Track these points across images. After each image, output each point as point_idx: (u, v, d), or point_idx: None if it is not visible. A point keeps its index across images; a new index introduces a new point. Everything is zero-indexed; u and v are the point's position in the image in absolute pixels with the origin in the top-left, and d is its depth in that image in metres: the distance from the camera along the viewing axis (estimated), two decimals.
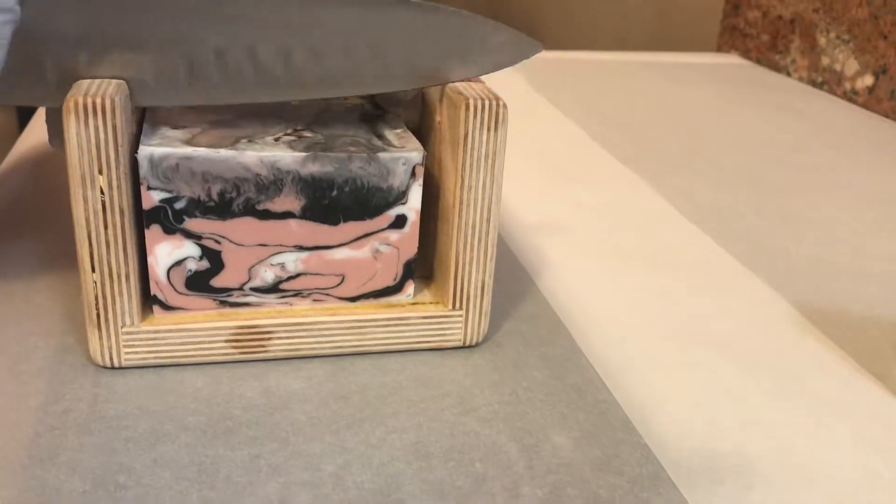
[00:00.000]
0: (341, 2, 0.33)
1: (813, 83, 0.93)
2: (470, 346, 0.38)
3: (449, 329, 0.38)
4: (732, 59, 1.04)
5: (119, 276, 0.33)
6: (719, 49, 1.11)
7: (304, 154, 0.34)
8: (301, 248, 0.35)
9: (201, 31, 0.33)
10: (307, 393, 0.34)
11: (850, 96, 0.87)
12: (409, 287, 0.37)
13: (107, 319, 0.34)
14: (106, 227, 0.32)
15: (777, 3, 0.99)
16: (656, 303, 0.44)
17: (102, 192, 0.32)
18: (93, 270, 0.33)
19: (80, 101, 0.30)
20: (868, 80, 0.85)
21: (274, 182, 0.34)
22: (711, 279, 0.47)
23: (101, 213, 0.32)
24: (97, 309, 0.34)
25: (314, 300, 0.36)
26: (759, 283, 0.47)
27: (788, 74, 0.97)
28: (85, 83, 0.32)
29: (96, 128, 0.31)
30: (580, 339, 0.40)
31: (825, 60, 0.91)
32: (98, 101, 0.31)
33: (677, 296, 0.45)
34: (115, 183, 0.32)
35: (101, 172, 0.32)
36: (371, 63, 0.34)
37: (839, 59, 0.89)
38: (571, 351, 0.39)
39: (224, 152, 0.33)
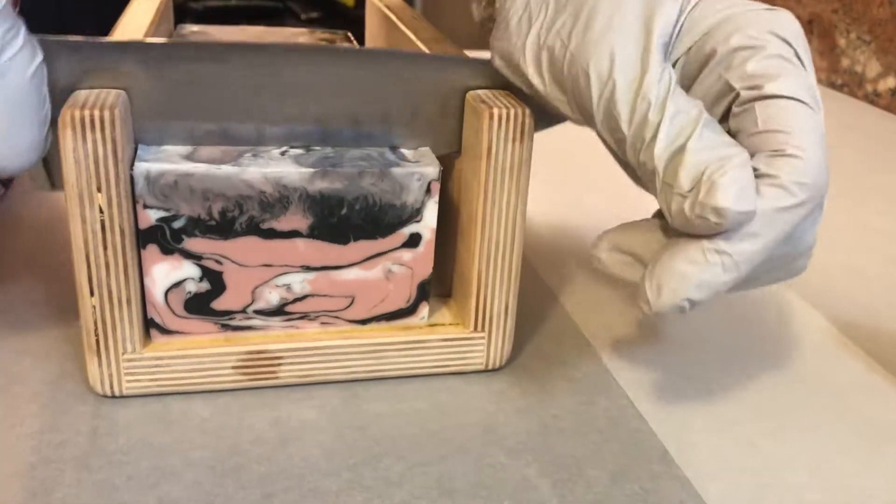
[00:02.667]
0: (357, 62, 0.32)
1: (832, 85, 0.91)
2: (492, 370, 0.36)
3: (470, 352, 0.35)
4: None
5: (119, 301, 0.31)
6: None
7: (311, 170, 0.31)
8: (308, 269, 0.33)
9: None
10: (320, 423, 0.32)
11: (872, 98, 0.85)
12: (424, 309, 0.35)
13: (107, 346, 0.32)
14: (105, 249, 0.30)
15: (794, 4, 0.96)
16: (685, 320, 0.41)
17: (101, 211, 0.30)
18: (91, 294, 0.31)
19: (78, 114, 0.28)
20: (890, 81, 0.83)
21: (279, 200, 0.31)
22: (741, 294, 0.45)
23: (99, 234, 0.30)
24: (96, 335, 0.31)
25: (322, 323, 0.34)
26: (793, 295, 0.44)
27: None
28: (82, 94, 0.30)
29: (94, 142, 0.29)
30: (608, 360, 0.37)
31: (845, 62, 0.89)
32: (96, 113, 0.28)
33: (707, 312, 0.42)
34: (114, 201, 0.30)
35: (99, 190, 0.29)
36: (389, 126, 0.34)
37: (860, 61, 0.87)
38: (600, 373, 0.36)
39: (226, 169, 0.31)
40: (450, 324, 0.36)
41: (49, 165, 0.32)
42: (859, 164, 0.66)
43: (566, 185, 0.58)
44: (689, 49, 0.29)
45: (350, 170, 0.32)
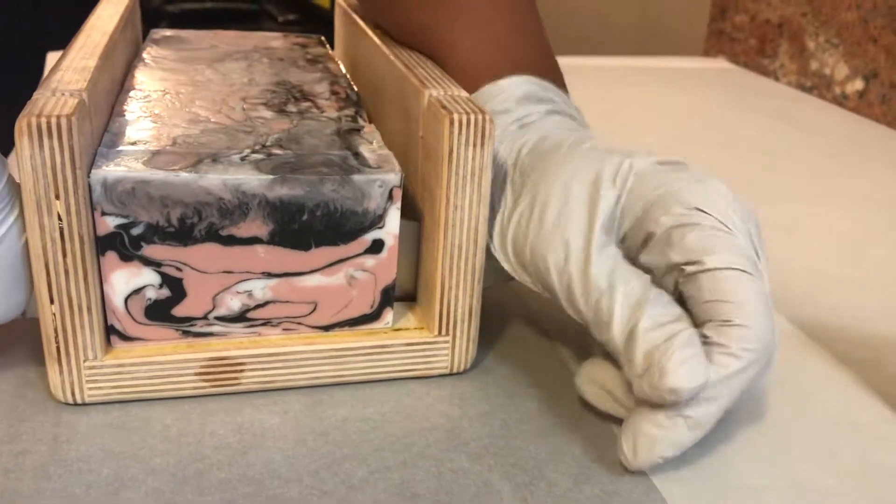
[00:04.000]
0: None
1: (802, 88, 0.92)
2: (457, 374, 0.36)
3: (434, 356, 0.35)
4: (720, 64, 1.02)
5: (80, 308, 0.31)
6: (706, 53, 1.10)
7: (271, 177, 0.31)
8: (269, 275, 0.33)
9: None
10: (283, 429, 0.32)
11: (840, 101, 0.86)
12: (388, 315, 0.35)
13: (67, 353, 0.31)
14: (65, 256, 0.30)
15: (765, 7, 0.97)
16: None
17: (60, 219, 0.30)
18: (51, 302, 0.31)
19: (34, 121, 0.28)
20: (858, 84, 0.84)
21: (239, 206, 0.31)
22: None
23: (59, 241, 0.30)
24: (57, 342, 0.31)
25: (284, 329, 0.34)
26: None
27: (777, 79, 0.96)
28: (41, 100, 0.30)
29: (52, 150, 0.29)
30: (573, 364, 0.38)
31: (814, 65, 0.90)
32: (53, 120, 0.28)
33: None
34: (73, 209, 0.29)
35: (57, 198, 0.29)
36: None
37: (829, 64, 0.88)
38: (564, 376, 0.37)
39: (184, 175, 0.31)
40: (414, 328, 0.36)
41: None
42: (826, 166, 0.67)
43: None
44: (632, 227, 0.33)
45: (311, 176, 0.32)
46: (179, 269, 0.32)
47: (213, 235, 0.31)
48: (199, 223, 0.31)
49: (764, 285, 0.31)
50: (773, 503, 0.30)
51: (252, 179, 0.31)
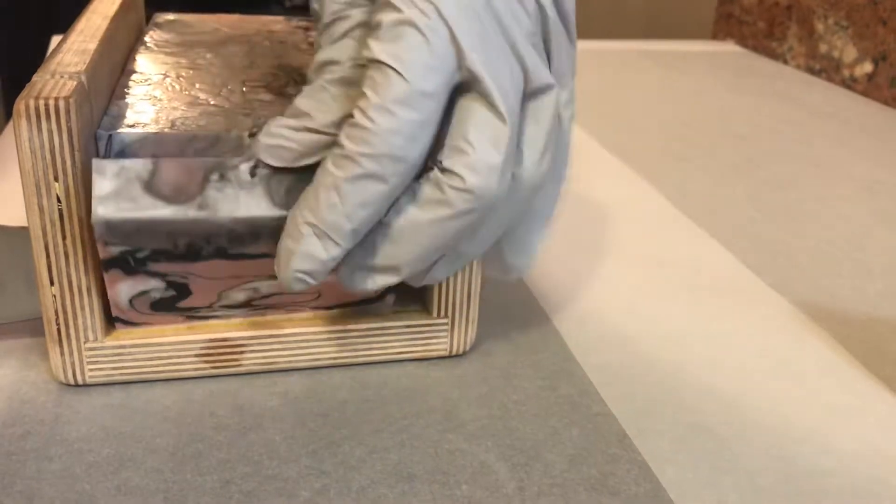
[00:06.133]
0: None
1: (811, 71, 0.91)
2: (456, 356, 0.36)
3: (434, 338, 0.36)
4: (728, 47, 1.01)
5: (80, 289, 0.31)
6: (715, 37, 1.09)
7: (285, 213, 0.30)
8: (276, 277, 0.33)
9: None
10: (282, 410, 0.32)
11: (849, 84, 0.85)
12: (391, 298, 0.35)
13: (68, 335, 0.32)
14: (64, 238, 0.30)
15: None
16: (653, 304, 0.42)
17: (59, 201, 0.30)
18: (52, 284, 0.31)
19: (32, 103, 0.28)
20: (867, 66, 0.83)
21: (249, 234, 0.31)
22: (709, 277, 0.45)
23: (58, 223, 0.30)
24: (58, 324, 0.31)
25: (287, 310, 0.34)
26: (759, 280, 0.45)
27: (786, 62, 0.95)
28: (39, 83, 0.30)
29: (50, 132, 0.29)
30: (574, 345, 0.38)
31: (823, 47, 0.89)
32: (51, 102, 0.28)
33: (674, 296, 0.43)
34: (72, 190, 0.30)
35: (56, 180, 0.29)
36: None
37: (837, 46, 0.87)
38: (564, 359, 0.37)
39: (192, 214, 0.29)
40: (413, 310, 0.36)
41: None
42: (834, 149, 0.66)
43: None
44: None
45: None
46: (185, 278, 0.32)
47: (221, 254, 0.31)
48: (207, 247, 0.31)
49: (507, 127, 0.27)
50: (769, 485, 0.30)
51: (265, 216, 0.30)
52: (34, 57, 0.74)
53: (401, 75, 0.26)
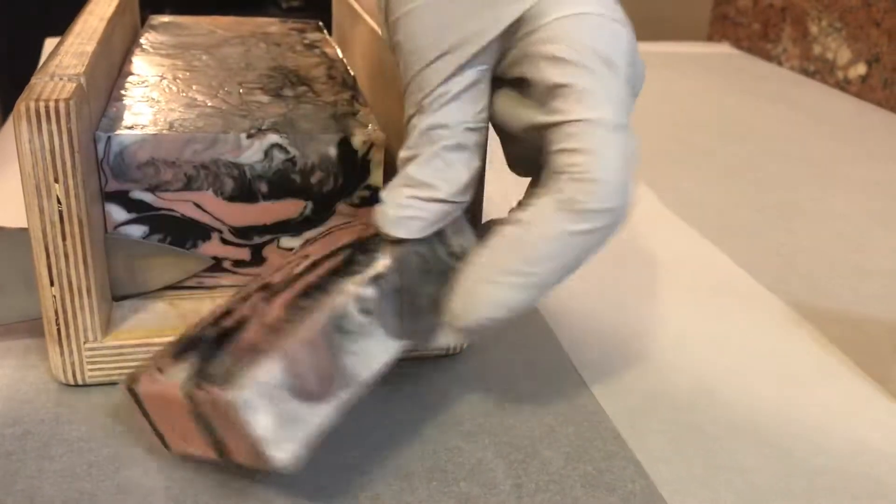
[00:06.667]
0: None
1: (805, 72, 0.91)
2: (453, 355, 0.37)
3: None
4: (723, 49, 1.02)
5: (80, 290, 0.31)
6: (710, 38, 1.10)
7: (401, 342, 0.29)
8: None
9: None
10: None
11: (843, 85, 0.86)
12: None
13: (68, 335, 0.32)
14: (64, 239, 0.30)
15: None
16: (647, 304, 0.42)
17: (59, 202, 0.30)
18: (52, 284, 0.31)
19: (33, 105, 0.29)
20: (861, 68, 0.83)
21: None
22: (704, 278, 0.45)
23: (58, 224, 0.30)
24: (57, 324, 0.32)
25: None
26: (753, 281, 0.45)
27: (780, 63, 0.96)
28: (39, 85, 0.30)
29: (50, 133, 0.29)
30: (569, 344, 0.38)
31: (817, 49, 0.90)
32: (52, 104, 0.29)
33: (670, 296, 0.43)
34: (72, 192, 0.30)
35: (56, 181, 0.30)
36: None
37: (831, 48, 0.87)
38: (560, 357, 0.37)
39: (345, 396, 0.28)
40: None
41: None
42: (828, 151, 0.67)
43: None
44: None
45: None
46: None
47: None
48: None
49: (630, 138, 0.28)
50: (763, 483, 0.30)
51: (393, 356, 0.29)
52: (28, 58, 0.74)
53: (608, 127, 0.26)
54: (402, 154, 0.29)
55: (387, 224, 0.29)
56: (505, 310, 0.27)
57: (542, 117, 0.27)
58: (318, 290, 0.28)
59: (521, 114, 0.29)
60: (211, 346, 0.28)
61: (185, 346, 0.29)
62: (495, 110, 0.30)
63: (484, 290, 0.27)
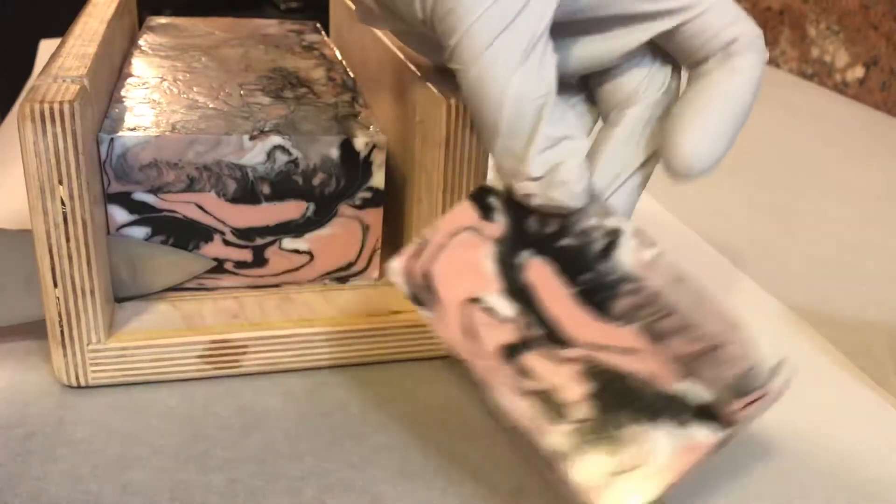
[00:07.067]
0: None
1: (803, 75, 0.92)
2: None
3: (434, 338, 0.36)
4: None
5: (83, 292, 0.31)
6: None
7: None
8: None
9: None
10: (285, 410, 0.33)
11: (841, 88, 0.86)
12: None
13: (71, 337, 0.32)
14: (68, 240, 0.30)
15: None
16: None
17: (63, 203, 0.30)
18: (55, 286, 0.31)
19: (38, 107, 0.29)
20: (859, 71, 0.84)
21: None
22: (700, 279, 0.45)
23: (62, 226, 0.30)
24: (61, 326, 0.32)
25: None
26: (751, 282, 0.45)
27: (778, 66, 0.96)
28: (43, 86, 0.30)
29: (55, 135, 0.29)
30: None
31: (815, 51, 0.90)
32: (56, 106, 0.29)
33: None
34: (76, 193, 0.30)
35: (61, 182, 0.30)
36: None
37: (829, 51, 0.88)
38: None
39: None
40: (413, 310, 0.36)
41: None
42: (825, 153, 0.67)
43: None
44: None
45: None
46: None
47: None
48: None
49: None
50: (757, 485, 0.31)
51: None
52: (22, 60, 0.74)
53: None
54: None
55: (576, 198, 0.28)
56: (726, 150, 0.30)
57: (660, 26, 0.28)
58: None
59: (612, 45, 0.29)
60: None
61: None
62: (578, 58, 0.30)
63: (719, 130, 0.29)
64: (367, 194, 0.36)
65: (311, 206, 0.36)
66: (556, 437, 0.25)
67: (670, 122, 0.29)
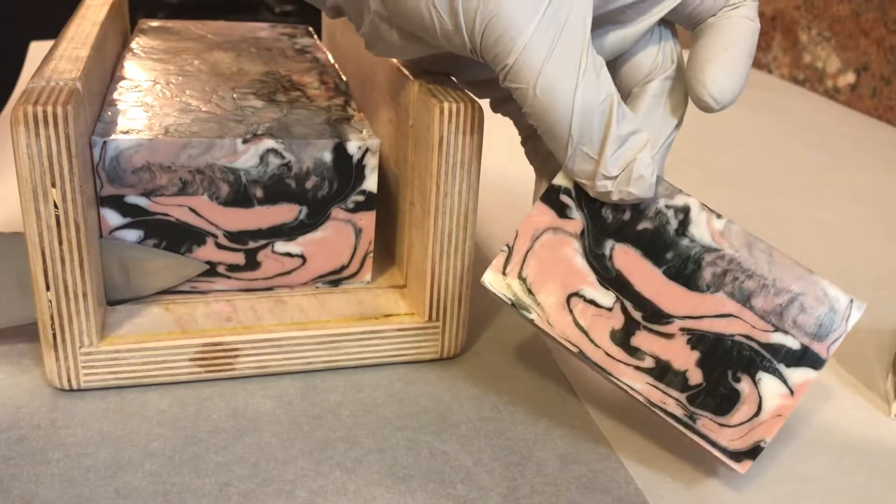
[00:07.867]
0: None
1: (794, 80, 0.92)
2: (447, 358, 0.37)
3: (425, 341, 0.36)
4: None
5: (76, 295, 0.31)
6: None
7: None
8: None
9: None
10: (277, 413, 0.33)
11: (832, 94, 0.86)
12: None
13: (63, 340, 0.32)
14: (61, 244, 0.31)
15: (759, 0, 0.98)
16: None
17: (56, 207, 0.30)
18: (48, 289, 0.31)
19: (31, 110, 0.29)
20: (850, 77, 0.84)
21: None
22: None
23: (55, 229, 0.30)
24: (53, 329, 0.32)
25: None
26: None
27: (770, 72, 0.96)
28: (36, 89, 0.30)
29: (48, 138, 0.29)
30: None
31: (807, 58, 0.90)
32: (49, 109, 0.29)
33: None
34: (69, 196, 0.30)
35: (54, 185, 0.30)
36: None
37: (821, 57, 0.88)
38: (553, 361, 0.37)
39: None
40: (405, 314, 0.36)
41: None
42: (816, 159, 0.67)
43: (521, 176, 0.58)
44: None
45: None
46: None
47: None
48: None
49: None
50: (751, 489, 0.31)
51: None
52: (11, 62, 0.74)
53: None
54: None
55: (652, 188, 0.30)
56: (744, 84, 0.31)
57: (673, 2, 0.30)
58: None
59: (635, 30, 0.31)
60: None
61: None
62: (609, 47, 0.32)
63: (740, 66, 0.31)
64: (360, 198, 0.36)
65: (304, 210, 0.36)
66: (679, 407, 0.29)
67: (695, 64, 0.31)
